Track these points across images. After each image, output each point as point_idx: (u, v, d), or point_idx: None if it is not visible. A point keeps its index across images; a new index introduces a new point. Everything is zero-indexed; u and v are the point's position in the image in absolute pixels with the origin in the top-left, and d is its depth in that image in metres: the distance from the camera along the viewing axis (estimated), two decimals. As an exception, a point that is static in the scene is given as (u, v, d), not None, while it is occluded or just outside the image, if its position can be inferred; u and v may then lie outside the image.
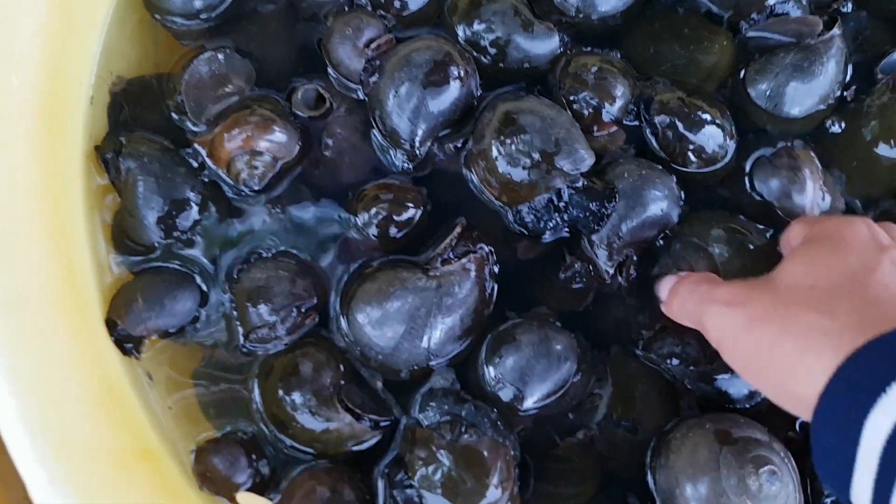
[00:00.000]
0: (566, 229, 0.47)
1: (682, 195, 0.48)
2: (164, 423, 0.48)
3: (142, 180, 0.47)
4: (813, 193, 0.47)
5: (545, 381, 0.45)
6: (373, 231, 0.47)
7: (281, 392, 0.45)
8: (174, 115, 0.50)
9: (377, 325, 0.44)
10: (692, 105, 0.47)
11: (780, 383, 0.36)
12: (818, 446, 0.33)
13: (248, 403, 0.47)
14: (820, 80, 0.48)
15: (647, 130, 0.49)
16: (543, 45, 0.49)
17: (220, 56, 0.49)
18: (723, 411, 0.46)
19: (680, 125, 0.47)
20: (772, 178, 0.47)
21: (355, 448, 0.46)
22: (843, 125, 0.50)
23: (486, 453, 0.43)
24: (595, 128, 0.48)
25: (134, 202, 0.47)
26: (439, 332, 0.45)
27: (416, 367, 0.46)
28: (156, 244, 0.48)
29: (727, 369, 0.44)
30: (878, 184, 0.50)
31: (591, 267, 0.47)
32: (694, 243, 0.46)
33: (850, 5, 0.51)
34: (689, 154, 0.48)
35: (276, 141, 0.48)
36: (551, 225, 0.46)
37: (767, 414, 0.45)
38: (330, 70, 0.50)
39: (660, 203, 0.46)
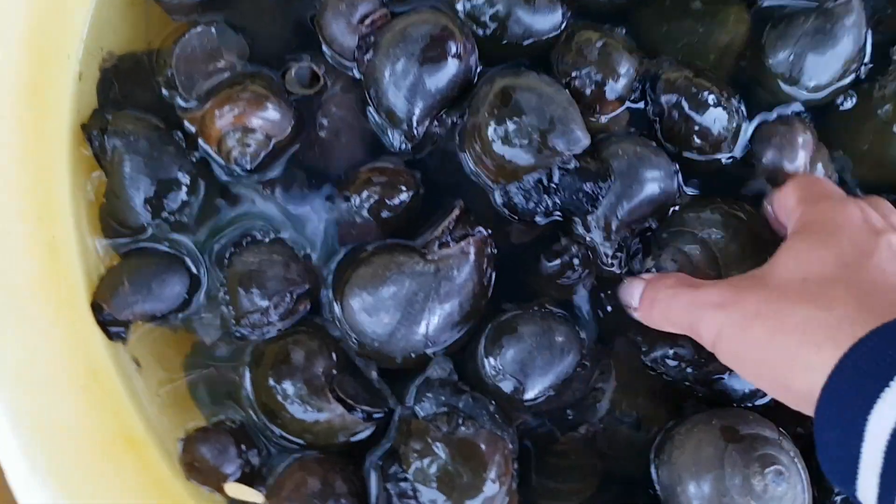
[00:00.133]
0: (558, 212, 0.46)
1: (678, 171, 0.47)
2: (150, 412, 0.47)
3: (128, 159, 0.46)
4: (804, 164, 0.46)
5: (547, 374, 0.44)
6: (364, 214, 0.46)
7: (271, 381, 0.44)
8: (164, 91, 0.49)
9: (372, 310, 0.44)
10: (700, 84, 0.46)
11: (780, 380, 0.36)
12: (822, 442, 0.33)
13: (238, 391, 0.46)
14: (843, 44, 0.47)
15: (652, 111, 0.48)
16: (546, 19, 0.48)
17: (213, 30, 0.48)
18: (731, 407, 0.44)
19: (686, 105, 0.46)
20: (766, 147, 0.47)
21: (347, 440, 0.45)
22: (854, 101, 0.49)
23: (483, 447, 0.42)
24: (597, 107, 0.47)
25: (120, 182, 0.46)
26: (437, 318, 0.44)
27: (413, 355, 0.45)
28: (143, 226, 0.47)
29: (725, 369, 0.43)
30: (889, 168, 0.49)
31: (587, 251, 0.46)
32: (687, 232, 0.45)
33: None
34: (695, 137, 0.47)
35: (270, 118, 0.47)
36: (541, 208, 0.45)
37: (775, 409, 0.44)
38: (324, 47, 0.48)
39: (657, 181, 0.45)
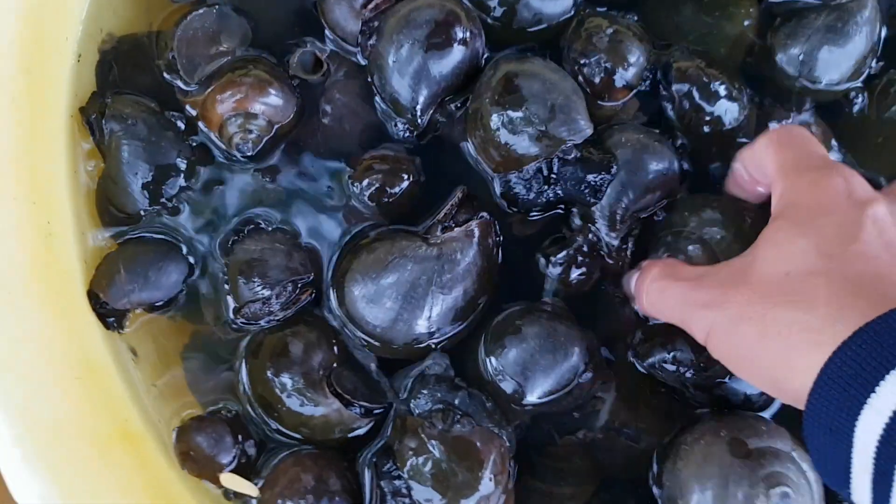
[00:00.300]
0: (561, 204, 0.46)
1: (683, 162, 0.46)
2: (147, 402, 0.47)
3: (126, 144, 0.45)
4: None
5: (548, 378, 0.43)
6: (364, 204, 0.46)
7: (268, 372, 0.43)
8: (165, 75, 0.48)
9: (374, 296, 0.43)
10: (711, 75, 0.46)
11: (771, 381, 0.35)
12: (813, 447, 0.33)
13: (235, 383, 0.46)
14: (856, 42, 0.46)
15: (663, 100, 0.47)
16: (556, 3, 0.47)
17: (215, 12, 0.47)
18: (744, 414, 0.43)
19: (697, 94, 0.46)
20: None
21: (344, 436, 0.44)
22: (866, 96, 0.48)
23: (479, 445, 0.41)
24: (606, 95, 0.46)
25: (118, 167, 0.46)
26: (441, 305, 0.43)
27: (415, 343, 0.44)
28: (140, 212, 0.47)
29: (726, 373, 0.42)
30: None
31: (591, 245, 0.45)
32: (688, 232, 0.44)
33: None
34: (705, 127, 0.46)
35: (272, 104, 0.46)
36: (542, 199, 0.45)
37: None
38: (327, 32, 0.48)
39: (662, 170, 0.45)
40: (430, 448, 0.41)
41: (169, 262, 0.46)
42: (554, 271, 0.46)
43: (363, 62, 0.47)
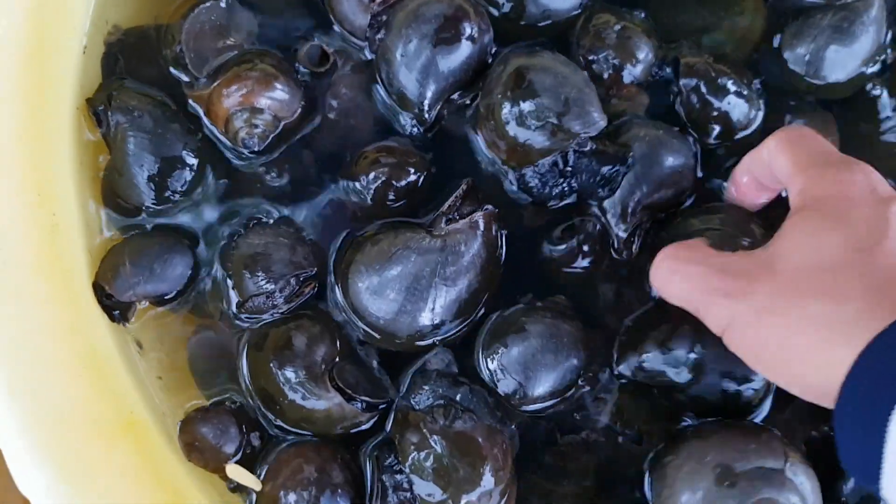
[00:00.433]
0: (574, 196, 0.45)
1: (699, 159, 0.46)
2: (153, 394, 0.47)
3: (132, 136, 0.45)
4: None
5: (548, 381, 0.43)
6: (370, 197, 0.45)
7: (270, 365, 0.43)
8: (171, 69, 0.48)
9: (378, 288, 0.43)
10: (719, 70, 0.46)
11: (795, 377, 0.35)
12: (843, 442, 0.32)
13: (239, 375, 0.46)
14: (862, 42, 0.46)
15: (671, 95, 0.47)
16: (564, 0, 0.47)
17: (223, 5, 0.47)
18: (733, 423, 0.41)
19: (705, 89, 0.45)
20: None
21: (347, 431, 0.44)
22: (876, 93, 0.48)
23: (481, 440, 0.41)
24: (615, 91, 0.46)
25: (123, 159, 0.46)
26: (444, 297, 0.43)
27: (418, 336, 0.44)
28: (146, 205, 0.47)
29: (694, 383, 0.41)
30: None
31: (598, 236, 0.45)
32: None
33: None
34: (713, 123, 0.46)
35: (278, 98, 0.46)
36: (557, 191, 0.44)
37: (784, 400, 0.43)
38: (335, 25, 0.48)
39: (678, 166, 0.44)
40: (432, 443, 0.40)
41: (174, 255, 0.46)
42: (557, 261, 0.46)
43: (370, 57, 0.47)
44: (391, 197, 0.45)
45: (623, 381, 0.44)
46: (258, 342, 0.45)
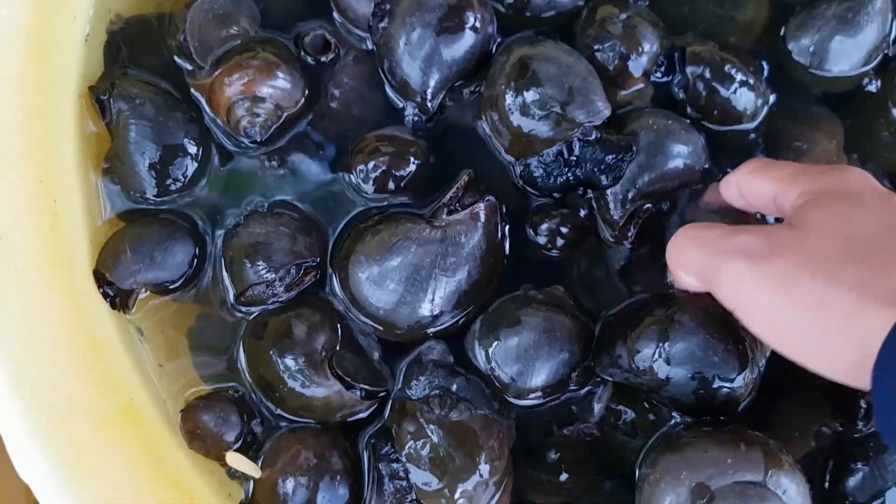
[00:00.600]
0: (578, 186, 0.45)
1: (707, 151, 0.46)
2: (153, 381, 0.47)
3: (134, 124, 0.45)
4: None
5: (542, 374, 0.43)
6: (369, 187, 0.45)
7: (270, 353, 0.43)
8: (175, 57, 0.48)
9: (378, 279, 0.43)
10: (725, 58, 0.45)
11: (827, 347, 0.32)
12: (880, 405, 0.30)
13: (238, 364, 0.46)
14: (867, 33, 0.46)
15: (677, 84, 0.47)
16: None
17: (227, -6, 0.47)
18: (714, 428, 0.40)
19: (711, 76, 0.45)
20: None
21: (345, 420, 0.44)
22: (879, 84, 0.48)
23: (478, 430, 0.41)
24: (620, 81, 0.46)
25: (125, 147, 0.46)
26: (444, 288, 0.43)
27: (418, 327, 0.44)
28: (147, 192, 0.47)
29: (663, 383, 0.40)
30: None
31: (583, 219, 0.45)
32: None
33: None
34: (718, 110, 0.46)
35: (280, 87, 0.46)
36: (561, 181, 0.44)
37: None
38: (336, 15, 0.48)
39: (683, 156, 0.44)
40: (429, 432, 0.41)
41: (175, 243, 0.46)
42: (539, 240, 0.46)
43: (372, 46, 0.47)
44: (391, 186, 0.45)
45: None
46: (258, 330, 0.45)
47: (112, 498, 0.41)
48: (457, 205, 0.44)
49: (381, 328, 0.44)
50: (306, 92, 0.47)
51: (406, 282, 0.42)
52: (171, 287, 0.46)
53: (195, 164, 0.47)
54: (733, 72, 0.45)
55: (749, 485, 0.36)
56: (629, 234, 0.45)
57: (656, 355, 0.39)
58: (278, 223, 0.46)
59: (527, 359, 0.42)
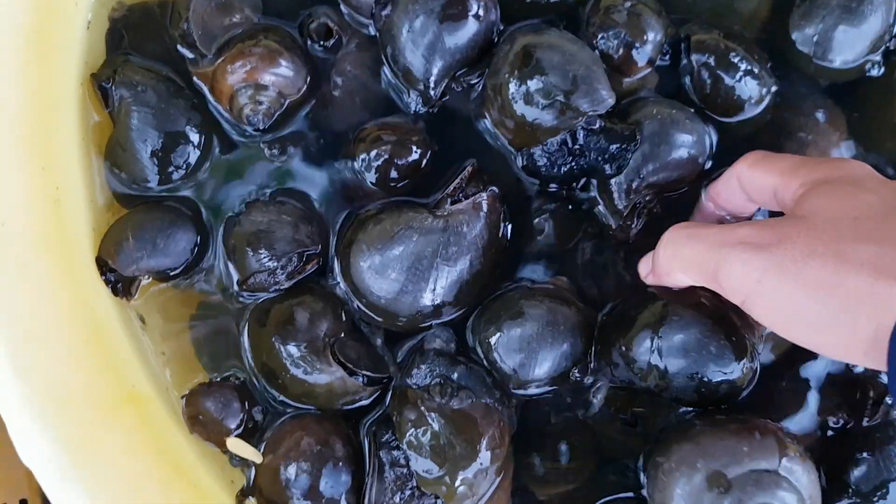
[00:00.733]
0: (582, 176, 0.45)
1: (714, 142, 0.46)
2: (155, 368, 0.47)
3: (135, 111, 0.45)
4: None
5: (545, 364, 0.43)
6: (372, 176, 0.45)
7: (273, 340, 0.43)
8: (179, 47, 0.48)
9: (380, 268, 0.43)
10: (730, 47, 0.45)
11: (842, 328, 0.31)
12: None
13: (241, 351, 0.46)
14: (871, 22, 0.45)
15: (682, 73, 0.47)
16: None
17: (229, -19, 0.47)
18: (725, 419, 0.40)
19: (716, 65, 0.45)
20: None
21: (347, 407, 0.44)
22: (882, 71, 0.47)
23: (478, 418, 0.41)
24: (625, 69, 0.46)
25: (126, 134, 0.45)
26: (446, 277, 0.43)
27: (420, 317, 0.44)
28: (149, 179, 0.46)
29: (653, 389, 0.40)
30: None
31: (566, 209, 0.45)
32: None
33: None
34: (723, 99, 0.46)
35: (283, 75, 0.45)
36: (565, 170, 0.44)
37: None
38: (340, 2, 0.47)
39: (687, 146, 0.44)
40: (430, 420, 0.41)
41: (177, 230, 0.45)
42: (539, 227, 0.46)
43: (374, 34, 0.47)
44: (394, 175, 0.45)
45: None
46: (261, 318, 0.45)
47: (114, 483, 0.41)
48: (460, 195, 0.44)
49: (382, 317, 0.44)
50: (309, 80, 0.47)
51: (408, 271, 0.42)
52: (172, 274, 0.46)
53: (197, 152, 0.46)
54: (738, 60, 0.45)
55: (764, 472, 0.36)
56: (634, 224, 0.45)
57: (652, 357, 0.39)
58: (280, 211, 0.46)
59: (529, 350, 0.42)
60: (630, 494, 0.43)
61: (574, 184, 0.46)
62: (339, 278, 0.45)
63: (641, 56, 0.45)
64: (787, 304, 0.33)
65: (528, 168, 0.45)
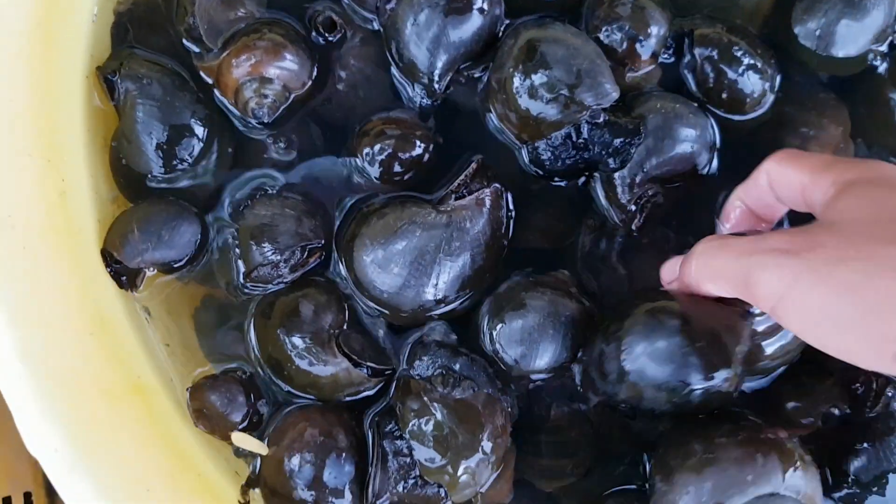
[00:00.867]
0: (585, 170, 0.45)
1: (717, 137, 0.46)
2: (160, 360, 0.47)
3: (141, 104, 0.45)
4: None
5: (546, 356, 0.43)
6: (375, 171, 0.45)
7: (278, 332, 0.44)
8: (184, 41, 0.48)
9: (382, 262, 0.43)
10: (733, 41, 0.45)
11: (869, 328, 0.31)
12: None
13: (246, 344, 0.46)
14: (873, 16, 0.45)
15: (685, 67, 0.47)
16: None
17: (233, -25, 0.47)
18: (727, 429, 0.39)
19: (719, 59, 0.45)
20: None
21: (351, 398, 0.45)
22: (886, 66, 0.47)
23: (481, 408, 0.41)
24: (629, 63, 0.46)
25: (132, 127, 0.46)
26: (448, 272, 0.43)
27: (423, 311, 0.44)
28: (154, 172, 0.47)
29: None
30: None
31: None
32: None
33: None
34: (727, 93, 0.46)
35: (287, 68, 0.46)
36: (569, 164, 0.44)
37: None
38: (344, -4, 0.48)
39: (691, 140, 0.44)
40: (433, 410, 0.41)
41: (182, 222, 0.46)
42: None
43: (378, 28, 0.47)
44: (397, 169, 0.45)
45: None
46: (266, 310, 0.45)
47: (120, 473, 0.41)
48: (465, 191, 0.44)
49: (385, 311, 0.44)
50: (314, 74, 0.47)
51: (411, 266, 0.42)
52: (176, 266, 0.46)
53: (202, 145, 0.46)
54: (741, 54, 0.45)
55: (768, 497, 0.37)
56: (637, 218, 0.45)
57: (622, 375, 0.39)
58: (284, 205, 0.46)
59: (531, 341, 0.43)
60: (632, 486, 0.44)
61: (578, 178, 0.46)
62: (342, 272, 0.45)
63: (645, 50, 0.45)
64: (817, 306, 0.32)
65: (532, 162, 0.45)
